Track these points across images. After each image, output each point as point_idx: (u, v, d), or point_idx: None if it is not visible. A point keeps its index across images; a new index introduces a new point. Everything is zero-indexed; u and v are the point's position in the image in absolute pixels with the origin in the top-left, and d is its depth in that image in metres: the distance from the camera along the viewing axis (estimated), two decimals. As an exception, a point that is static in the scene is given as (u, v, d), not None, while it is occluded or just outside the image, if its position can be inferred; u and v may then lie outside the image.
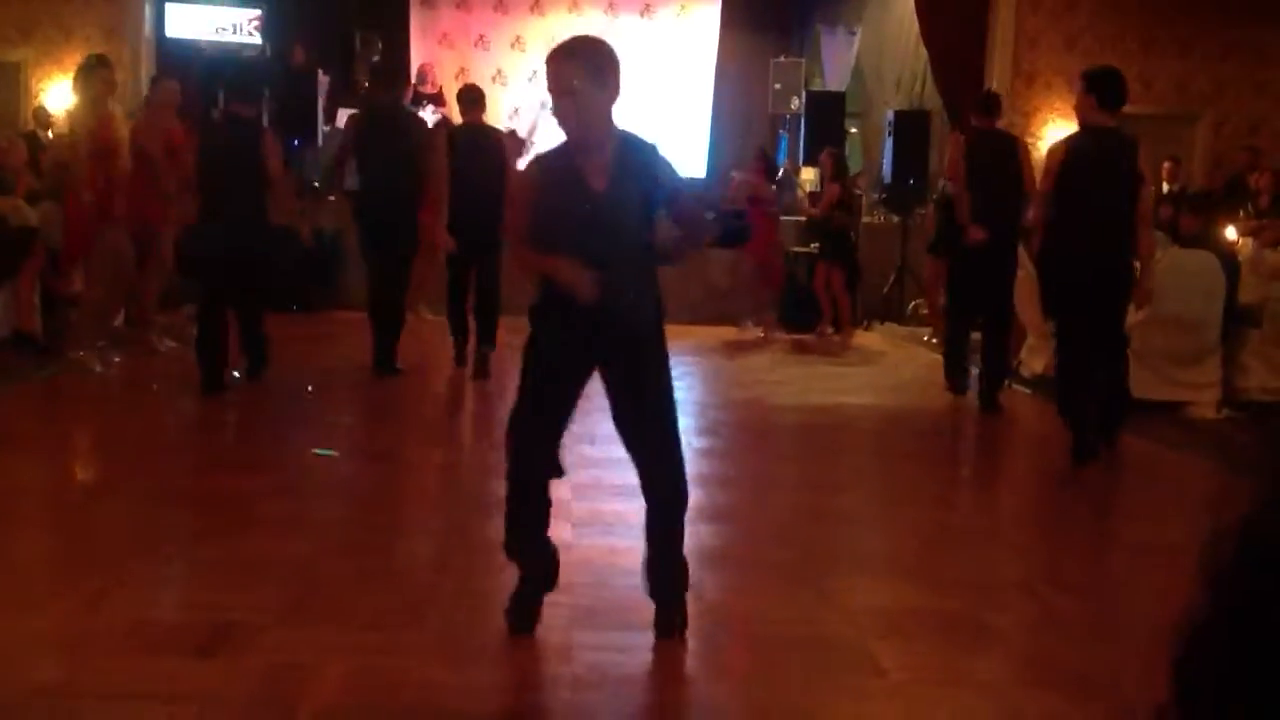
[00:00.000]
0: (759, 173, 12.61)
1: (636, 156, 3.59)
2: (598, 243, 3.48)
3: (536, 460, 3.66)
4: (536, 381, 3.63)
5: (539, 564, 3.74)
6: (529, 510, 3.69)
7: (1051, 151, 7.17)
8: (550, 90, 3.49)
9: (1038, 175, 7.76)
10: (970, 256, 8.57)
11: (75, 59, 10.79)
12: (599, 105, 3.48)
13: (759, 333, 12.05)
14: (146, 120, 9.18)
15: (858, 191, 13.11)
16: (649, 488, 3.74)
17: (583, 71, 3.45)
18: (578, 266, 3.42)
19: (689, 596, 3.81)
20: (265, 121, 10.01)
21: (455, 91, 14.98)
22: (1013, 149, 8.76)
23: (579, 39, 3.62)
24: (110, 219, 8.39)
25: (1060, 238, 6.73)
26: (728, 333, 11.94)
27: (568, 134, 3.54)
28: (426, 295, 10.89)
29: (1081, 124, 6.98)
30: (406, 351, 8.86)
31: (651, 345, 3.66)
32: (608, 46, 3.59)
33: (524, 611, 3.69)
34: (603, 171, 3.50)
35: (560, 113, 3.49)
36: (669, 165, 3.70)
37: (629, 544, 4.71)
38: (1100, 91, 6.74)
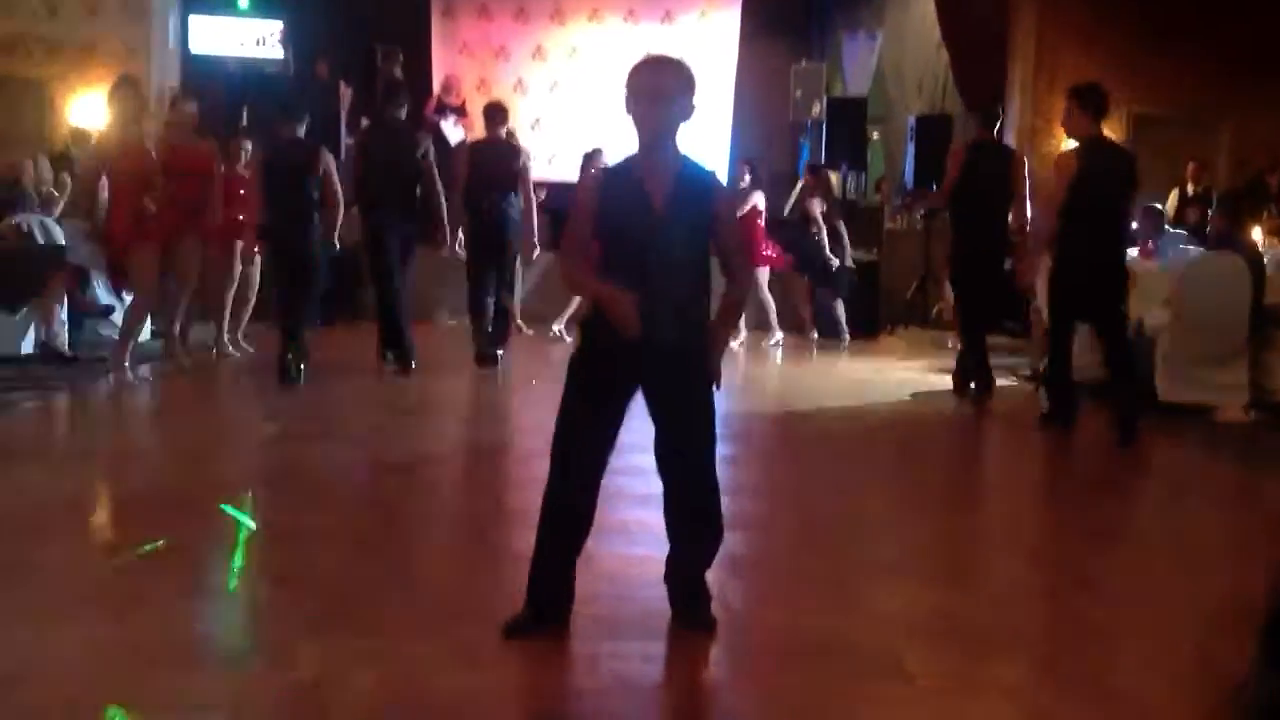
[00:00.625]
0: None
1: (696, 183, 3.61)
2: (653, 262, 3.49)
3: (581, 479, 3.65)
4: (583, 398, 3.63)
5: (553, 592, 3.70)
6: (564, 533, 3.69)
7: (1062, 166, 7.45)
8: (640, 93, 3.53)
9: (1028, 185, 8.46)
10: (968, 267, 8.97)
11: (100, 75, 10.89)
12: (676, 120, 3.55)
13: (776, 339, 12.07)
14: (174, 135, 9.22)
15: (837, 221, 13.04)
16: (673, 491, 3.75)
17: (676, 83, 3.54)
18: (625, 301, 3.43)
19: (715, 604, 3.83)
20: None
21: (475, 101, 15.12)
22: (1008, 161, 9.03)
23: (674, 58, 3.68)
24: (143, 236, 8.45)
25: (1073, 245, 7.08)
26: (751, 339, 11.93)
27: (642, 140, 3.57)
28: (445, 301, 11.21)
29: (1079, 138, 7.41)
30: (425, 354, 9.00)
31: (696, 370, 3.65)
32: (693, 71, 3.63)
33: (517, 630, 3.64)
34: (663, 193, 3.53)
35: (642, 117, 3.53)
36: (727, 195, 3.74)
37: (652, 553, 4.71)
38: (1095, 106, 7.36)
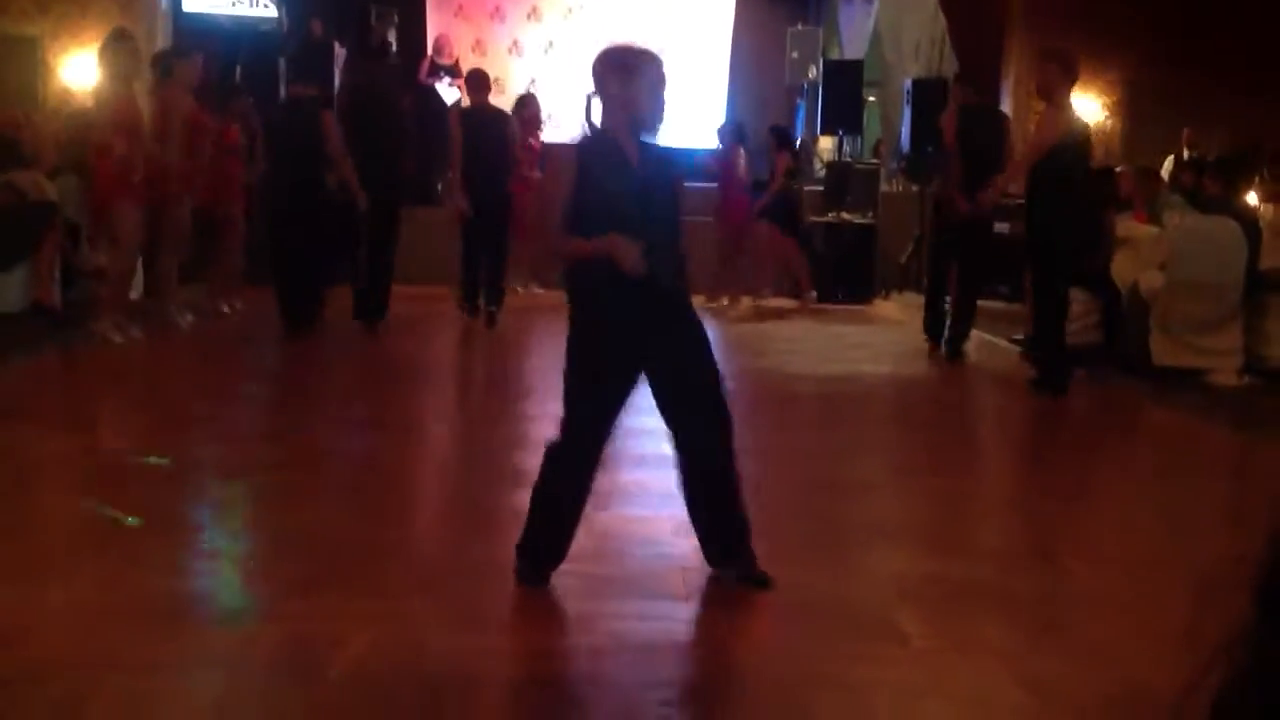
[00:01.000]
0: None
1: (655, 148, 3.87)
2: (640, 212, 3.68)
3: (589, 460, 3.77)
4: (594, 371, 3.75)
5: (552, 556, 3.79)
6: (573, 502, 3.79)
7: (1046, 126, 7.59)
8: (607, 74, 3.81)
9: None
10: (952, 223, 9.15)
11: (92, 34, 10.80)
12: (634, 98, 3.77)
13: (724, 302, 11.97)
14: (170, 95, 9.13)
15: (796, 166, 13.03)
16: (692, 444, 3.83)
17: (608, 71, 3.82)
18: (628, 244, 3.56)
19: (705, 564, 3.84)
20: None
21: (470, 63, 15.03)
22: (999, 123, 9.16)
23: (630, 44, 3.99)
24: (130, 193, 8.39)
25: (1058, 205, 7.55)
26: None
27: (633, 119, 3.78)
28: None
29: (1059, 103, 7.52)
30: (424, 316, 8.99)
31: (692, 312, 3.87)
32: (627, 50, 3.93)
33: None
34: (636, 155, 3.77)
35: (611, 96, 3.78)
36: (681, 165, 4.20)
37: (649, 514, 4.73)
38: (1076, 72, 7.54)
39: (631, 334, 3.70)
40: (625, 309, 3.66)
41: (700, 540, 3.91)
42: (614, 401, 3.73)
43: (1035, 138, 7.94)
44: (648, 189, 3.73)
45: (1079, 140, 7.71)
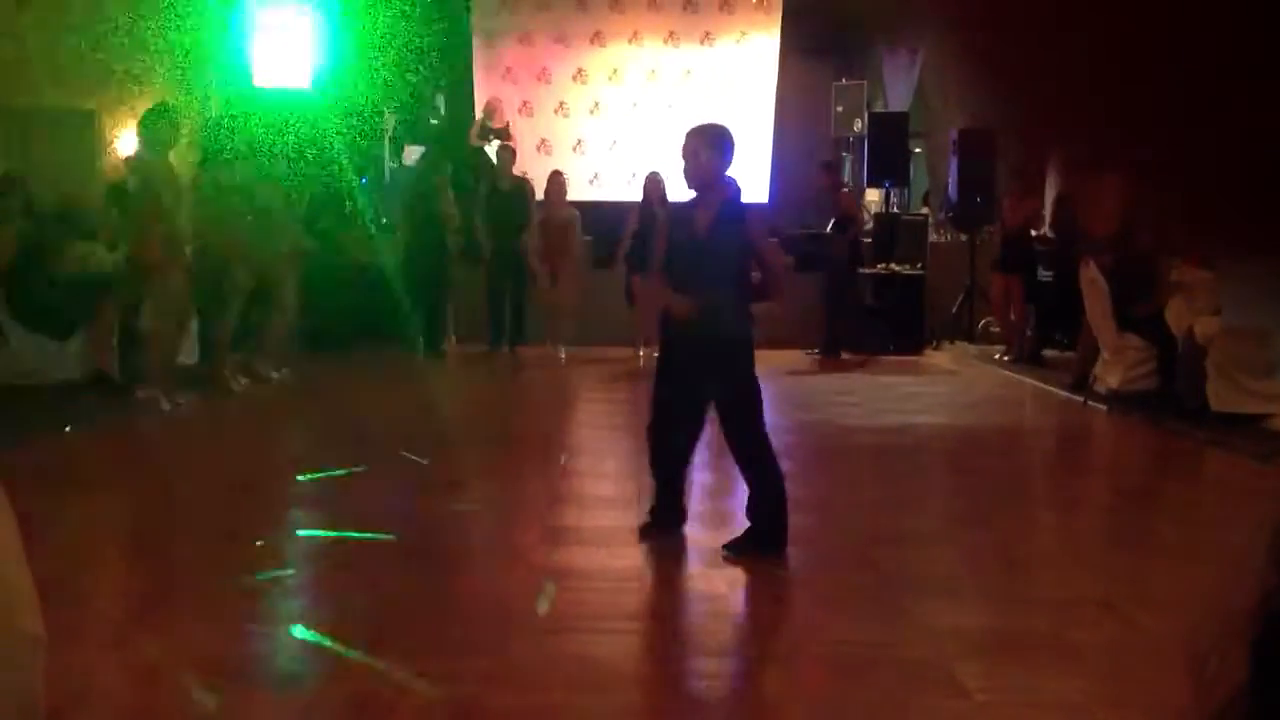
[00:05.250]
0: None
1: (735, 214, 4.87)
2: (696, 275, 4.78)
3: (672, 430, 4.98)
4: (663, 375, 5.03)
5: (664, 505, 5.13)
6: (664, 465, 5.08)
7: None
8: (683, 154, 4.90)
9: None
10: None
11: (148, 106, 10.98)
12: (712, 170, 4.88)
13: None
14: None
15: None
16: (736, 451, 4.97)
17: (700, 143, 4.87)
18: (677, 295, 4.79)
19: (764, 619, 3.81)
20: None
21: (517, 124, 15.21)
22: None
23: (707, 125, 5.05)
24: (174, 260, 8.52)
25: None
26: (793, 356, 11.91)
27: (690, 186, 4.91)
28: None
29: None
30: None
31: (736, 357, 4.85)
32: (724, 128, 5.04)
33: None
34: (707, 223, 4.82)
35: (686, 171, 4.90)
36: (758, 223, 5.09)
37: (705, 570, 4.71)
38: None
39: (680, 363, 4.92)
40: (676, 344, 4.97)
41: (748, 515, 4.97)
42: (674, 391, 4.93)
43: None
44: (709, 250, 4.77)
45: None
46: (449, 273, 12.38)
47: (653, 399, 5.07)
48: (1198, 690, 0.72)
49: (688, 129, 5.00)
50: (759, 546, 4.85)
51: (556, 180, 12.71)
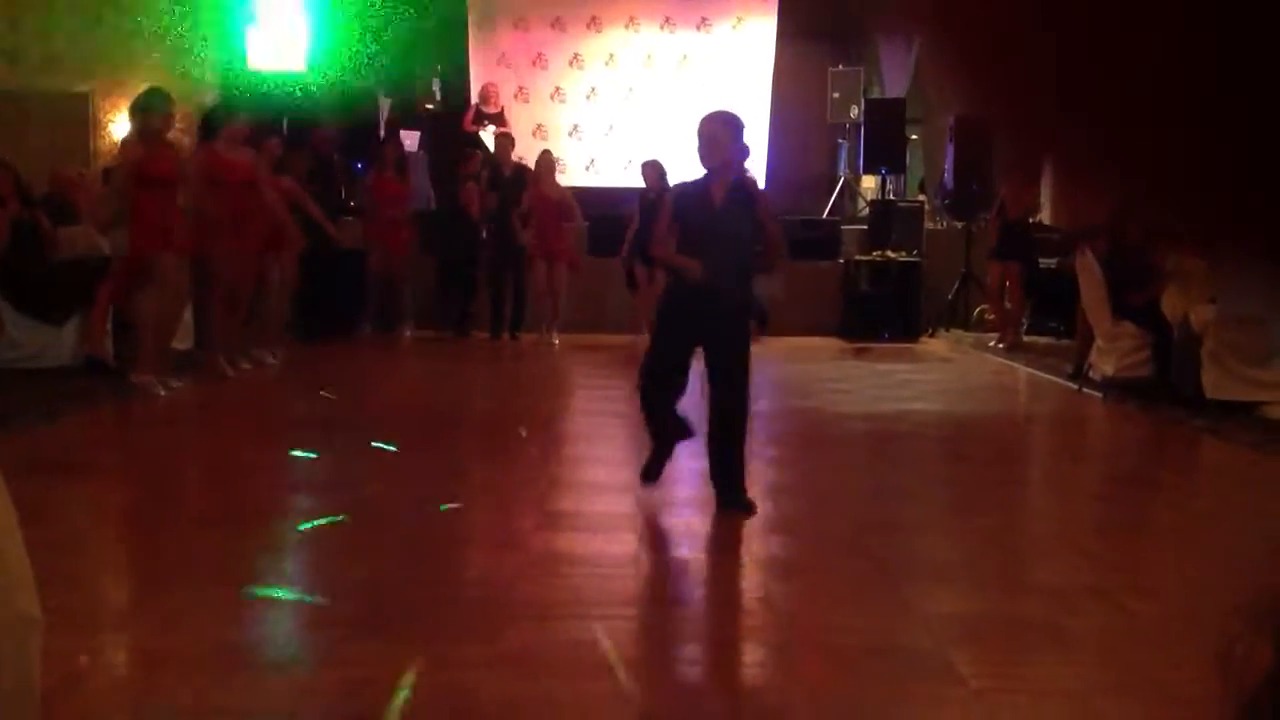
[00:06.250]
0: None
1: (742, 191, 5.34)
2: (712, 240, 5.21)
3: (660, 387, 5.32)
4: (662, 337, 5.42)
5: (661, 428, 5.41)
6: (658, 398, 5.35)
7: None
8: (700, 138, 5.28)
9: None
10: None
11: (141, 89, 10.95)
12: (730, 157, 5.32)
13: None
14: (221, 151, 9.26)
15: None
16: (718, 405, 5.27)
17: (724, 131, 5.28)
18: (694, 264, 5.18)
19: (759, 606, 3.81)
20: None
21: (513, 109, 15.19)
22: None
23: (725, 111, 5.54)
24: (166, 247, 8.49)
25: None
26: (791, 342, 11.91)
27: (706, 168, 5.28)
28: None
29: None
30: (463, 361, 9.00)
31: (739, 323, 5.33)
32: (740, 118, 5.48)
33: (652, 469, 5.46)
34: (720, 198, 5.24)
35: (704, 155, 5.27)
36: (763, 198, 5.55)
37: (699, 557, 4.71)
38: None
39: (685, 317, 5.25)
40: (688, 304, 5.25)
41: (711, 477, 5.28)
42: (671, 353, 5.31)
43: None
44: (724, 220, 5.22)
45: None
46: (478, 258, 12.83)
47: (649, 355, 5.41)
48: (1225, 679, 0.70)
49: (706, 113, 5.42)
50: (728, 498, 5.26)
51: (546, 159, 12.63)
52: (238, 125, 9.43)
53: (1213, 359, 8.17)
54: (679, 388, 5.36)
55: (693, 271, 5.17)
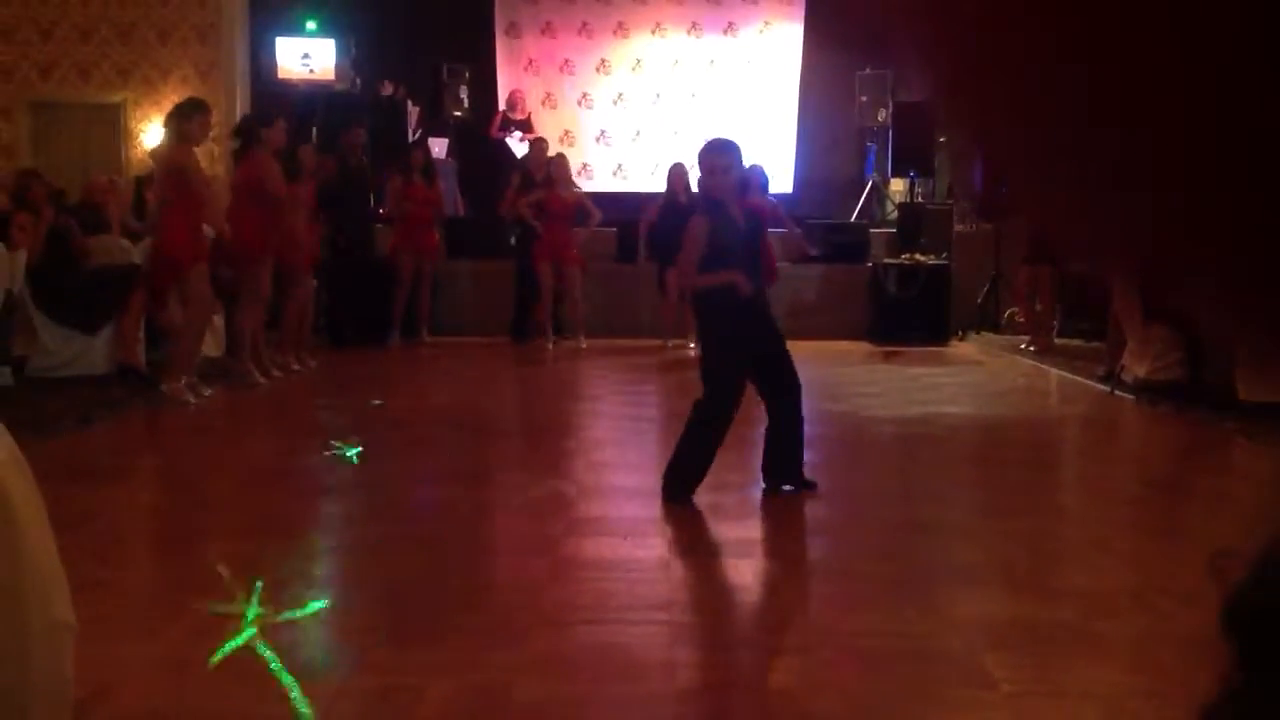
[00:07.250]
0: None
1: (750, 206, 5.92)
2: (746, 255, 5.58)
3: (732, 415, 5.46)
4: (729, 373, 5.45)
5: (698, 481, 5.50)
6: (718, 443, 5.44)
7: None
8: (706, 169, 5.57)
9: None
10: None
11: (174, 99, 11.06)
12: (731, 182, 5.63)
13: None
14: (262, 159, 9.30)
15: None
16: (789, 395, 5.65)
17: (724, 159, 5.53)
18: (741, 277, 5.42)
19: (790, 609, 3.80)
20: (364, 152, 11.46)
21: (540, 115, 15.23)
22: None
23: (724, 139, 5.71)
24: (201, 254, 8.56)
25: None
26: (820, 346, 11.88)
27: (725, 195, 5.55)
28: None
29: None
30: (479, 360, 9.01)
31: (773, 317, 5.78)
32: (732, 143, 5.66)
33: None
34: (739, 215, 5.57)
35: (714, 184, 5.55)
36: (767, 203, 6.14)
37: (731, 561, 4.71)
38: None
39: (748, 330, 5.46)
40: (745, 316, 5.46)
41: (774, 472, 5.67)
42: (743, 375, 5.48)
43: None
44: (749, 236, 5.64)
45: None
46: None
47: (722, 388, 5.41)
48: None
49: (703, 146, 5.64)
50: (796, 481, 5.70)
51: (561, 162, 12.50)
52: (277, 133, 9.47)
53: (1245, 361, 8.10)
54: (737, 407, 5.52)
55: (743, 285, 5.39)
